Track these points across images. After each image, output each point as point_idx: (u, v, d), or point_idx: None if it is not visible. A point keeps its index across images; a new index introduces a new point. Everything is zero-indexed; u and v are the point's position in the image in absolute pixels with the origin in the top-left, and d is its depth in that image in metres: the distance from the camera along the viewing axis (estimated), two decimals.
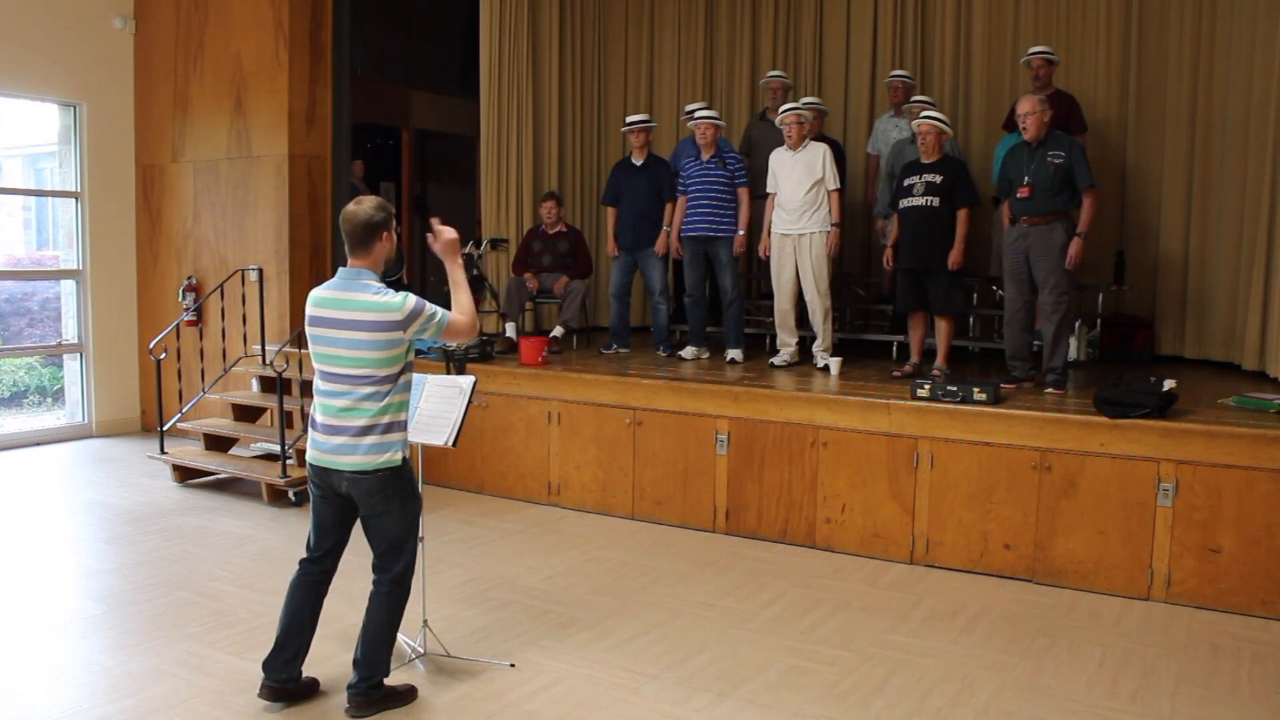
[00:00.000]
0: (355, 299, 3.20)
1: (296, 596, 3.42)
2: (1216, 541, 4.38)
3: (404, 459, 3.31)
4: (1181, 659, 3.88)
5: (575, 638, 4.04)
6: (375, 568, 3.41)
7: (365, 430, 3.21)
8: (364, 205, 3.26)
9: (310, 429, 3.33)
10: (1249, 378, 5.91)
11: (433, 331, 3.27)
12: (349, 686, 3.35)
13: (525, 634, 4.07)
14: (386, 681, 3.41)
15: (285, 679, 3.37)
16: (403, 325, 3.19)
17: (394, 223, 3.32)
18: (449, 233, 3.42)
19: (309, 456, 3.33)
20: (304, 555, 3.46)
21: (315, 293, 3.30)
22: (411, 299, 3.21)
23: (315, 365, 3.31)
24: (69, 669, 3.70)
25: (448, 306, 3.36)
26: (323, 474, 3.30)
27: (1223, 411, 4.77)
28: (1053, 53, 6.46)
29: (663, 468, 5.69)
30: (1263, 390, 5.20)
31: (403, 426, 3.31)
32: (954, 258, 5.54)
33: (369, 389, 3.21)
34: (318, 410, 3.30)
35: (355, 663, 3.36)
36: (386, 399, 3.24)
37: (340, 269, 3.29)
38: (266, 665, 3.36)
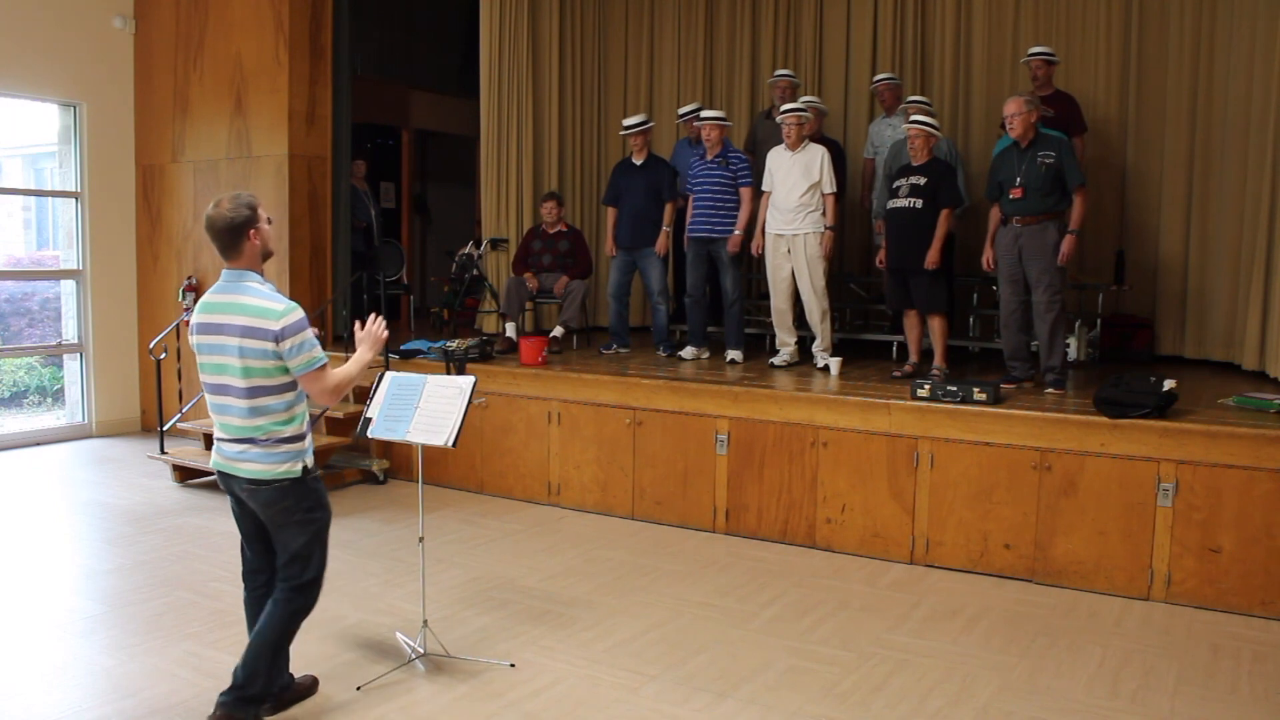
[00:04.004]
0: (237, 301, 3.05)
1: (254, 614, 3.31)
2: (1216, 541, 4.38)
3: (305, 469, 3.14)
4: (1181, 659, 3.88)
5: (575, 638, 4.04)
6: (279, 575, 3.24)
7: (255, 442, 3.07)
8: (222, 207, 3.06)
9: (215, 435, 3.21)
10: (1249, 378, 5.91)
11: (300, 363, 3.04)
12: (219, 694, 3.16)
13: (525, 634, 4.07)
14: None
15: (279, 689, 3.35)
16: (276, 336, 3.00)
17: (260, 218, 3.10)
18: (379, 330, 3.32)
19: (212, 461, 3.21)
20: (242, 569, 3.35)
21: (203, 299, 3.14)
22: (297, 316, 3.03)
23: (200, 376, 3.15)
24: (69, 669, 3.70)
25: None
26: (225, 478, 3.18)
27: (1223, 411, 4.77)
28: (1052, 53, 6.46)
29: (663, 468, 5.69)
30: (1263, 390, 5.20)
31: (302, 438, 3.15)
32: (930, 257, 5.56)
33: (246, 402, 3.04)
34: (214, 424, 3.17)
35: (234, 670, 3.19)
36: (273, 414, 3.07)
37: (223, 271, 3.12)
38: None
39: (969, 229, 6.81)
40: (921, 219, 5.61)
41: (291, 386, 3.11)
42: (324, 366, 3.10)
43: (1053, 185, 5.28)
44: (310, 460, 3.18)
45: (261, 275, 3.12)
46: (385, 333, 3.35)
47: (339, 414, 6.56)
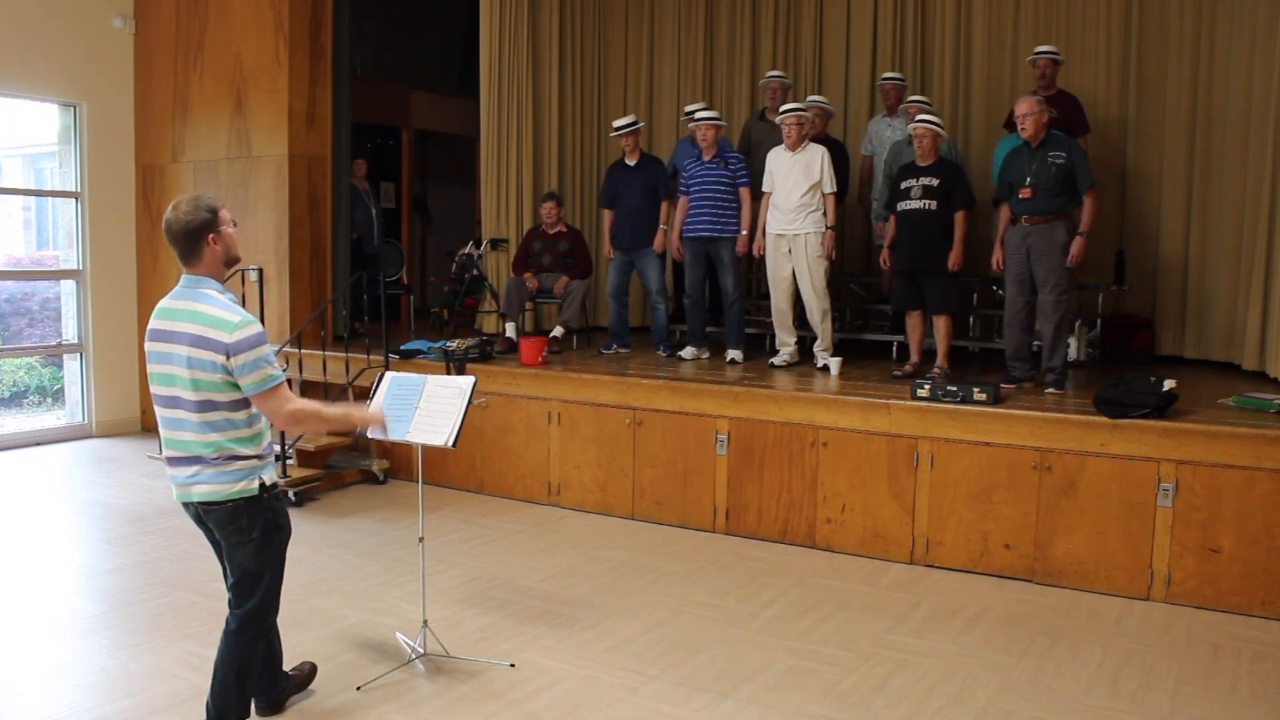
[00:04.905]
0: (190, 309, 2.88)
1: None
2: (1216, 541, 4.38)
3: (263, 485, 2.97)
4: (1181, 659, 3.88)
5: (575, 638, 4.04)
6: (229, 601, 3.10)
7: (205, 461, 2.88)
8: (180, 210, 2.88)
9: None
10: (1249, 378, 5.91)
11: (253, 381, 2.83)
12: None
13: (525, 634, 4.07)
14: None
15: (276, 692, 3.35)
16: (228, 350, 2.80)
17: (221, 221, 2.93)
18: (376, 416, 3.42)
19: (175, 493, 3.03)
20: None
21: (158, 304, 2.99)
22: (252, 330, 2.84)
23: (150, 388, 2.96)
24: (69, 669, 3.70)
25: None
26: (184, 507, 3.01)
27: (1223, 411, 4.77)
28: (1058, 52, 6.46)
29: (663, 468, 5.69)
30: (1263, 390, 5.20)
31: (256, 456, 2.96)
32: (954, 259, 5.57)
33: (198, 416, 2.86)
34: (161, 440, 2.99)
35: (206, 705, 3.09)
36: (227, 431, 2.89)
37: (182, 276, 2.95)
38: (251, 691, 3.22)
39: (970, 229, 6.79)
40: (935, 220, 5.61)
41: (247, 404, 2.93)
42: (279, 386, 2.89)
43: (1062, 185, 5.28)
44: (269, 476, 3.01)
45: (221, 283, 2.96)
46: (377, 424, 3.40)
47: None
